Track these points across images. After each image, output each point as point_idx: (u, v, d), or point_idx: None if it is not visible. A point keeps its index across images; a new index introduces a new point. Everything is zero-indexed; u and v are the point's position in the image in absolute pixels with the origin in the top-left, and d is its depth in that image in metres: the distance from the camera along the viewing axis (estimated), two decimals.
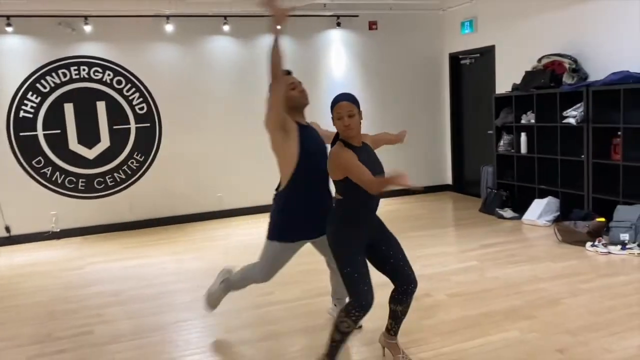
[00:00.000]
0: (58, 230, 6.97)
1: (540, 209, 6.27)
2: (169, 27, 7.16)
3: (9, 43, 6.69)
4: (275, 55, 2.99)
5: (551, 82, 6.23)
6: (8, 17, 6.50)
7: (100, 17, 6.89)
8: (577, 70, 6.07)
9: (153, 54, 7.26)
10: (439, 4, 8.20)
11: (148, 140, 7.30)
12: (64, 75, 6.89)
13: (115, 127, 7.13)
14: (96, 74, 7.01)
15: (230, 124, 7.46)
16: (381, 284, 3.22)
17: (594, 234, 5.29)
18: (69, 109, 6.93)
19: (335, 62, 8.10)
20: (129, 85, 7.15)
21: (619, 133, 5.53)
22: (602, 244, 5.13)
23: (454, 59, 8.44)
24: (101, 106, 7.04)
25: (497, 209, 6.82)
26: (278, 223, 3.30)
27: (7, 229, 6.80)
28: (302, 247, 3.41)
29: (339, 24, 7.96)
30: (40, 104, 6.83)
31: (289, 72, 3.31)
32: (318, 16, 7.82)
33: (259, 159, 7.60)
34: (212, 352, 3.53)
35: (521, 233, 6.08)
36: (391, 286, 3.09)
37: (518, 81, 6.76)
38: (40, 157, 6.88)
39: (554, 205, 6.28)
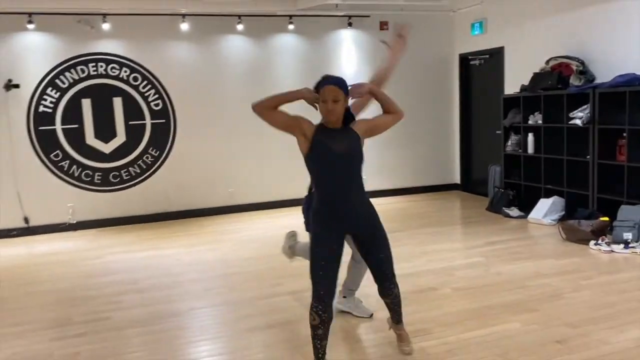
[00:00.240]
0: (75, 222, 7.17)
1: (546, 208, 6.38)
2: (185, 26, 7.33)
3: (31, 40, 6.90)
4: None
5: (558, 83, 6.33)
6: (30, 14, 6.70)
7: (118, 15, 7.08)
8: (584, 72, 6.17)
9: (169, 52, 7.44)
10: (449, 5, 8.32)
11: (163, 136, 7.48)
12: (83, 71, 7.09)
13: (131, 122, 7.32)
14: (113, 70, 7.20)
15: (243, 121, 7.62)
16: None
17: (598, 233, 5.40)
18: (86, 104, 7.13)
19: (346, 62, 8.24)
20: (145, 82, 7.34)
21: (624, 134, 5.64)
22: (606, 243, 5.24)
23: (464, 59, 8.56)
24: (118, 102, 7.23)
25: (503, 208, 6.93)
26: None
27: (26, 220, 7.01)
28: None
29: (350, 24, 8.10)
30: (59, 99, 7.03)
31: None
32: (330, 16, 7.96)
33: (269, 156, 7.77)
34: (225, 338, 3.69)
35: (526, 231, 6.20)
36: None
37: (526, 82, 6.87)
38: (58, 151, 7.09)
39: (559, 205, 6.39)
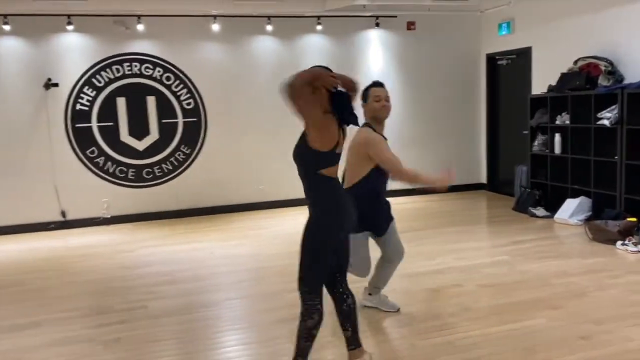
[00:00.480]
0: (109, 216, 7.43)
1: (573, 209, 6.40)
2: (216, 27, 7.52)
3: (69, 40, 7.17)
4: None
5: (586, 84, 6.34)
6: (69, 16, 6.96)
7: (152, 17, 7.30)
8: (612, 72, 6.17)
9: (200, 52, 7.64)
10: (477, 5, 8.35)
11: (194, 134, 7.70)
12: (118, 71, 7.34)
13: (163, 120, 7.54)
14: (147, 70, 7.43)
15: (271, 119, 7.77)
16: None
17: (625, 233, 5.41)
18: (121, 102, 7.37)
19: (374, 62, 8.34)
20: (177, 82, 7.56)
21: None
22: (633, 243, 5.24)
23: (491, 59, 8.58)
24: (151, 101, 7.46)
25: (529, 208, 6.96)
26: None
27: (63, 214, 7.29)
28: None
29: (377, 25, 8.19)
30: (95, 98, 7.29)
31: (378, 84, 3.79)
32: (357, 17, 8.08)
33: None
34: (255, 328, 3.85)
35: (552, 231, 6.22)
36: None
37: (554, 82, 6.88)
38: (94, 148, 7.35)
39: (586, 205, 6.39)
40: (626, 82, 6.06)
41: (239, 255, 5.74)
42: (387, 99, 3.68)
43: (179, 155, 7.66)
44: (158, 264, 5.54)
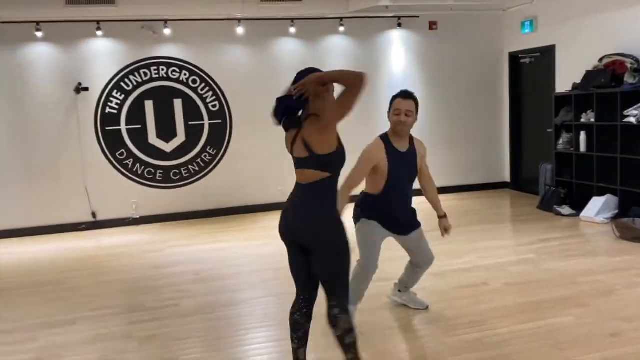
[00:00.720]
0: (138, 217, 7.60)
1: (599, 207, 6.36)
2: (240, 30, 7.64)
3: (99, 46, 7.36)
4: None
5: (612, 81, 6.30)
6: (98, 21, 7.14)
7: (178, 21, 7.45)
8: (639, 70, 6.12)
9: (225, 55, 7.77)
10: (499, 4, 8.33)
11: (219, 136, 7.83)
12: (145, 74, 7.50)
13: (190, 122, 7.69)
14: (174, 73, 7.59)
15: None
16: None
17: None
18: (149, 105, 7.54)
19: (396, 62, 8.38)
20: (203, 84, 7.70)
21: None
22: None
23: (514, 58, 8.55)
24: (178, 103, 7.61)
25: (555, 206, 6.93)
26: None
27: (94, 215, 7.48)
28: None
29: (399, 25, 8.23)
30: (124, 101, 7.47)
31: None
32: (379, 17, 8.13)
33: None
34: (284, 325, 3.91)
35: (578, 229, 6.20)
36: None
37: (578, 80, 6.84)
38: (123, 150, 7.53)
39: (612, 203, 6.35)
40: None
41: (264, 254, 5.83)
42: (407, 113, 3.49)
43: (205, 156, 7.80)
44: (186, 263, 5.67)
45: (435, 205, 3.91)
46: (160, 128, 7.60)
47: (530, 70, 8.37)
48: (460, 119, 8.67)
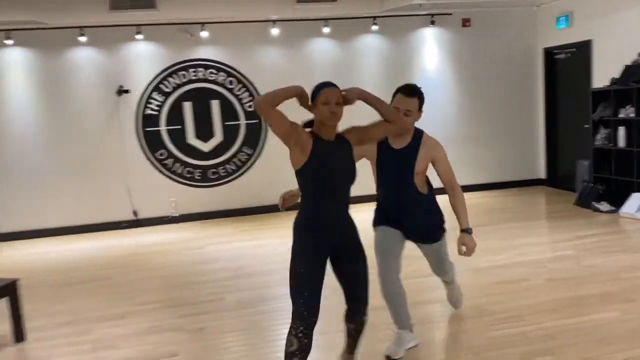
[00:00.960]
0: (177, 215, 7.80)
1: (639, 203, 6.29)
2: (275, 31, 7.77)
3: (139, 49, 7.57)
4: None
5: None
6: (138, 25, 7.36)
7: (215, 24, 7.61)
8: None
9: (260, 56, 7.91)
10: (533, 0, 8.28)
11: (255, 136, 7.97)
12: (184, 76, 7.69)
13: (227, 123, 7.86)
14: (211, 75, 7.76)
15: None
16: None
17: None
18: (187, 106, 7.72)
19: (429, 60, 8.40)
20: (239, 85, 7.85)
21: None
22: None
23: (549, 53, 8.48)
24: (215, 104, 7.78)
25: (593, 203, 6.86)
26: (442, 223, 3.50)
27: (135, 213, 7.71)
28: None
29: (433, 23, 8.24)
30: (163, 102, 7.67)
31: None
32: (413, 15, 8.16)
33: None
34: (328, 318, 4.01)
35: (618, 225, 6.14)
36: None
37: (616, 75, 6.76)
38: (163, 150, 7.73)
39: None
40: None
41: None
42: (406, 113, 3.16)
43: (241, 156, 7.96)
44: (227, 259, 5.82)
45: (458, 216, 3.32)
46: (199, 128, 7.78)
47: (565, 65, 8.29)
48: (493, 116, 8.63)
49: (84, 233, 7.48)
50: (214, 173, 7.91)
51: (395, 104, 3.14)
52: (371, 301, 2.91)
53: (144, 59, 7.61)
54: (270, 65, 7.95)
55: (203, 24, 7.53)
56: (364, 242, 2.81)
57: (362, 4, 7.74)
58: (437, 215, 3.47)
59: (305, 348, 2.63)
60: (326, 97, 2.67)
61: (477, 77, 8.54)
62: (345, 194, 2.72)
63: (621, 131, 6.74)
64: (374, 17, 7.96)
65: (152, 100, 7.66)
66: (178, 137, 7.74)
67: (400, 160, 3.25)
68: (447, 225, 3.53)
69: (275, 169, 8.03)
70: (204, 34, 7.59)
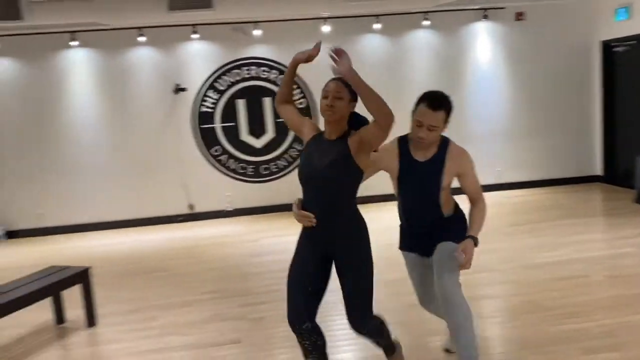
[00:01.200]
0: (232, 209, 8.02)
1: None
2: (326, 28, 7.86)
3: (195, 48, 7.82)
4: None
5: None
6: (194, 25, 7.59)
7: (268, 22, 7.77)
8: None
9: None
10: None
11: None
12: (237, 74, 7.89)
13: (278, 120, 8.01)
14: (264, 73, 7.93)
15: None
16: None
17: None
18: (241, 104, 7.93)
19: (481, 54, 8.31)
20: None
21: None
22: None
23: (607, 46, 8.24)
24: (267, 101, 7.95)
25: None
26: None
27: (191, 207, 7.98)
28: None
29: (485, 17, 8.15)
30: (217, 100, 7.90)
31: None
32: (465, 10, 8.09)
33: None
34: (390, 311, 4.09)
35: None
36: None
37: None
38: (217, 146, 7.97)
39: None
40: None
41: None
42: (430, 128, 2.73)
43: (292, 152, 8.11)
44: (280, 252, 5.93)
45: (471, 223, 2.83)
46: (251, 125, 7.98)
47: (624, 59, 8.04)
48: (548, 111, 8.47)
49: (144, 226, 7.80)
50: (265, 169, 8.10)
51: (418, 116, 2.72)
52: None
53: (199, 58, 7.85)
54: (321, 63, 8.01)
55: (256, 22, 7.70)
56: (374, 247, 2.64)
57: None
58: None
59: (312, 349, 2.63)
60: (326, 90, 2.55)
61: (531, 71, 8.39)
62: (329, 199, 2.50)
63: None
64: (426, 12, 7.94)
65: (207, 98, 7.89)
66: (232, 133, 7.95)
67: (424, 174, 2.82)
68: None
69: None
70: (257, 32, 7.76)
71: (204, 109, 7.90)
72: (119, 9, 7.22)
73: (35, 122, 7.68)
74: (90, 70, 7.72)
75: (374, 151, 2.57)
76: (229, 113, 7.92)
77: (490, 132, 8.35)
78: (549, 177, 8.57)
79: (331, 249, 2.60)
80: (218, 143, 7.96)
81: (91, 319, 4.20)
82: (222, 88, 7.88)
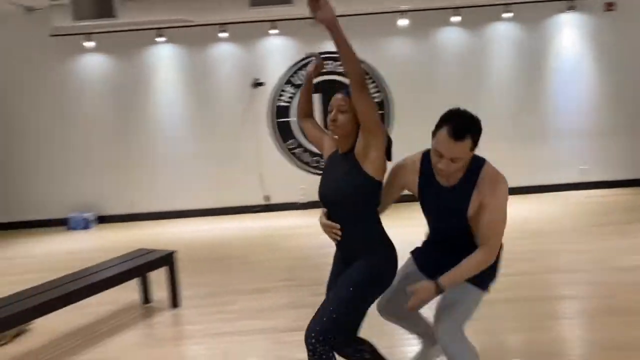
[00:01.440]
0: (306, 201, 8.16)
1: None
2: (403, 22, 7.81)
3: (273, 43, 8.01)
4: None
5: None
6: (272, 21, 7.77)
7: (345, 17, 7.79)
8: None
9: (388, 48, 8.00)
10: None
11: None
12: None
13: None
14: (340, 67, 7.99)
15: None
16: None
17: None
18: (316, 98, 8.03)
19: (566, 47, 7.95)
20: (366, 77, 7.99)
21: None
22: None
23: None
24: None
25: None
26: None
27: (267, 198, 8.20)
28: None
29: (572, 8, 7.78)
30: (294, 95, 8.05)
31: None
32: (549, 1, 7.77)
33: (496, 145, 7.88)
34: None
35: None
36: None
37: None
38: (292, 140, 8.13)
39: None
40: None
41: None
42: (454, 160, 2.27)
43: None
44: None
45: (455, 267, 2.34)
46: (326, 119, 8.03)
47: None
48: (637, 107, 7.98)
49: (224, 215, 8.10)
50: None
51: (438, 145, 2.26)
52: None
53: (277, 53, 8.03)
54: (397, 57, 8.02)
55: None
56: None
57: None
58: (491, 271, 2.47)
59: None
60: (330, 104, 2.44)
61: (620, 65, 7.94)
62: (345, 215, 2.36)
63: None
64: (508, 4, 7.69)
65: (284, 93, 8.06)
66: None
67: (447, 201, 2.39)
68: (493, 286, 2.56)
69: (397, 160, 8.11)
70: None
71: (281, 103, 8.08)
72: (203, 6, 7.53)
73: (125, 114, 8.15)
74: (174, 65, 8.10)
75: (388, 160, 2.39)
76: None
77: (573, 128, 7.99)
78: (636, 176, 8.09)
79: (345, 266, 2.47)
80: (293, 136, 8.12)
81: (175, 300, 4.43)
82: (298, 82, 8.02)
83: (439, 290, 2.32)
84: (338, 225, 2.37)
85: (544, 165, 8.08)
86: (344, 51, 2.17)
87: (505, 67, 7.87)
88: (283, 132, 8.12)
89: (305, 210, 8.06)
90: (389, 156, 2.42)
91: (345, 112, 2.36)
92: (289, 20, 7.79)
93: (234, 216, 8.04)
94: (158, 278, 4.58)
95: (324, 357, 2.26)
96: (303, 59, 8.01)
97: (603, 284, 4.19)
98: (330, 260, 2.27)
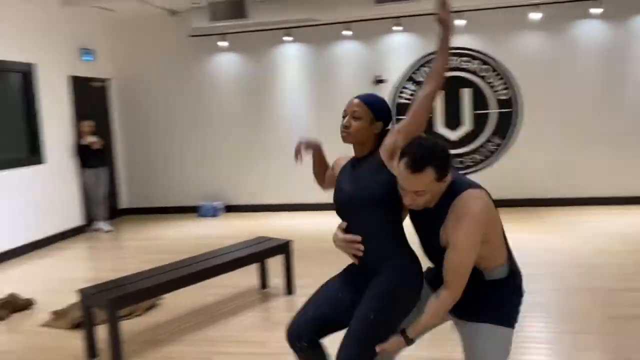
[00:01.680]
0: None
1: None
2: (536, 15, 7.38)
3: (395, 40, 8.00)
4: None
5: None
6: (397, 17, 7.74)
7: (472, 12, 7.57)
8: None
9: (518, 42, 7.62)
10: None
11: (506, 125, 7.74)
12: None
13: (477, 111, 7.79)
14: (464, 63, 7.77)
15: (597, 108, 7.28)
16: None
17: None
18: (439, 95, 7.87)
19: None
20: (494, 73, 7.70)
21: None
22: None
23: None
24: (466, 93, 7.78)
25: None
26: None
27: None
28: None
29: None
30: (414, 92, 7.96)
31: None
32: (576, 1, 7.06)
33: (620, 144, 7.24)
34: (590, 321, 3.77)
35: None
36: None
37: None
38: None
39: None
40: None
41: (556, 249, 5.62)
42: (419, 193, 2.04)
43: (489, 145, 7.82)
44: None
45: (422, 314, 2.11)
46: (448, 117, 7.89)
47: None
48: None
49: (306, 211, 8.28)
50: (460, 162, 7.94)
51: (398, 180, 2.05)
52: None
53: (399, 50, 8.00)
54: (529, 52, 7.62)
55: (459, 12, 7.55)
56: None
57: None
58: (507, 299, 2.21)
59: None
60: (344, 109, 2.30)
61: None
62: (367, 222, 2.17)
63: None
64: None
65: (405, 90, 8.00)
66: (427, 125, 7.93)
67: (428, 222, 2.14)
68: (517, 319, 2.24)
69: (525, 162, 7.72)
70: (460, 22, 7.61)
71: (401, 100, 8.03)
72: (329, 4, 7.72)
73: (253, 110, 8.60)
74: (300, 63, 8.38)
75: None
76: None
77: None
78: None
79: (367, 283, 2.20)
80: None
81: (289, 287, 4.62)
82: (420, 79, 7.92)
83: (407, 341, 2.11)
84: (359, 238, 2.18)
85: None
86: (445, 55, 2.21)
87: None
88: None
89: None
90: None
91: (359, 119, 2.22)
92: (414, 17, 7.72)
93: (319, 212, 8.07)
94: (275, 266, 4.80)
95: None
96: (426, 55, 7.89)
97: None
98: None
